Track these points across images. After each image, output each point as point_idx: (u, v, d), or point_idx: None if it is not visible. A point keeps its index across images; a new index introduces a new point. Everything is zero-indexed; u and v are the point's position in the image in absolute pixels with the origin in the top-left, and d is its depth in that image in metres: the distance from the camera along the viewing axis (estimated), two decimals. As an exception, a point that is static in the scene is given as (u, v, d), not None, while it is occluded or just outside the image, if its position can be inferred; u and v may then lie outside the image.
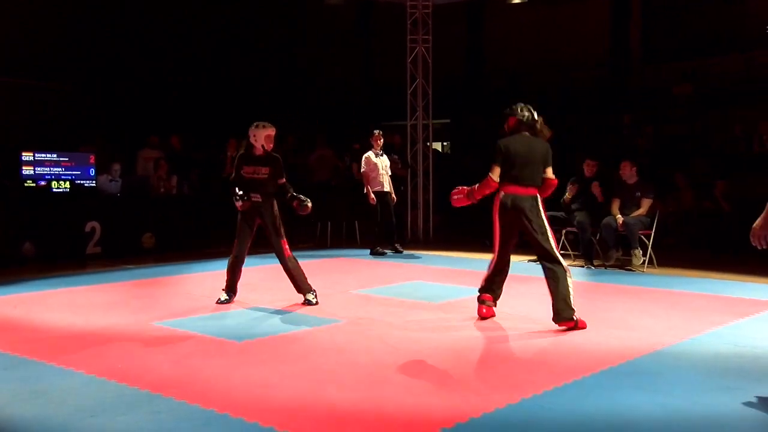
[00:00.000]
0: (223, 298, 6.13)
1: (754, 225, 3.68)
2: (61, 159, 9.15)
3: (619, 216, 8.26)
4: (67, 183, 9.17)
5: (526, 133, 5.33)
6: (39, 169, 8.95)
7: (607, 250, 8.56)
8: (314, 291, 6.10)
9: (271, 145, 6.02)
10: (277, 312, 5.83)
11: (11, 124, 11.64)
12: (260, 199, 5.99)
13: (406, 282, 7.41)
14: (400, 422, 3.38)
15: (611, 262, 8.46)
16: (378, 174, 9.60)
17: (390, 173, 9.82)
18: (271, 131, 6.00)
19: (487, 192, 5.34)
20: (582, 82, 14.13)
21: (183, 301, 6.33)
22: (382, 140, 9.75)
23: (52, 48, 12.77)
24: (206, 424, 3.32)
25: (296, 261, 6.11)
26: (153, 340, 4.88)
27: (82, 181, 9.31)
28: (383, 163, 9.67)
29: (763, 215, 3.65)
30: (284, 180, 6.09)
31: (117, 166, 10.02)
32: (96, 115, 12.95)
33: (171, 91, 14.44)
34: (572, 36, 14.44)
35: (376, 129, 9.91)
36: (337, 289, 6.89)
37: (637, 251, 8.15)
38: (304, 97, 16.52)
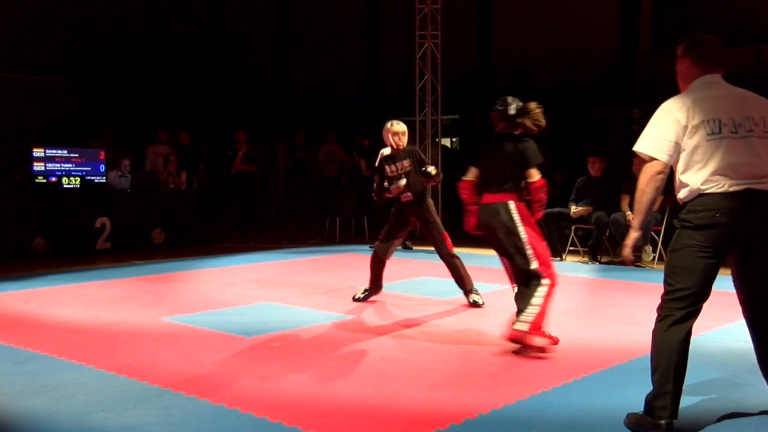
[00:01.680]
0: (359, 295, 6.04)
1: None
2: (71, 155, 9.19)
3: (629, 212, 8.22)
4: (78, 179, 9.21)
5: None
6: (50, 165, 9.00)
7: (616, 247, 8.52)
8: (477, 291, 5.96)
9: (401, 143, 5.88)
10: (287, 308, 5.84)
11: (21, 121, 11.71)
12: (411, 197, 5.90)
13: (415, 278, 7.40)
14: (408, 418, 3.37)
15: (621, 259, 8.42)
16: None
17: None
18: (397, 129, 5.90)
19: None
20: (591, 76, 14.05)
21: (192, 297, 6.36)
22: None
23: (60, 44, 12.84)
24: (216, 419, 3.33)
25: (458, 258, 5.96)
26: (163, 335, 4.90)
27: (92, 177, 9.36)
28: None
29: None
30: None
31: (126, 162, 10.06)
32: (105, 111, 13.01)
33: (179, 86, 14.48)
34: (581, 29, 14.36)
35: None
36: (346, 285, 6.89)
37: (647, 247, 8.11)
38: (313, 92, 16.52)
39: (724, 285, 7.11)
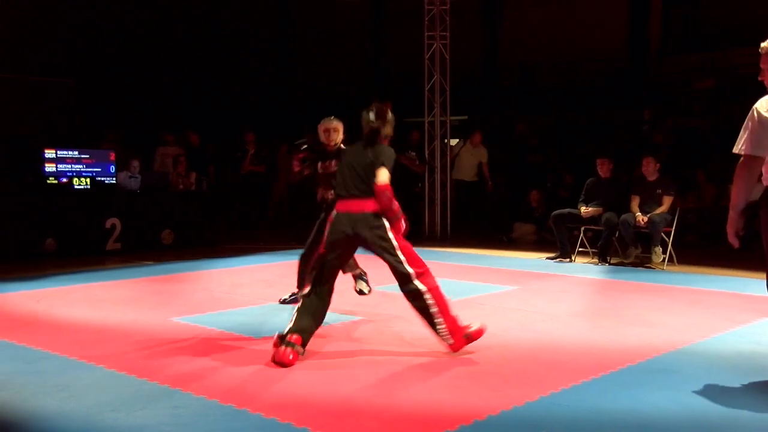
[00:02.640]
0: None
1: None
2: (82, 156, 9.24)
3: (639, 213, 8.18)
4: (88, 180, 9.27)
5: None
6: (61, 166, 9.05)
7: (625, 248, 8.50)
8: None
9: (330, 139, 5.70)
10: (295, 309, 5.83)
11: (28, 122, 11.78)
12: None
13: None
14: (416, 419, 3.38)
15: (630, 260, 8.39)
16: None
17: None
18: (328, 125, 5.75)
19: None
20: (599, 76, 14.00)
21: (202, 297, 6.38)
22: None
23: (70, 45, 12.91)
24: (225, 419, 3.34)
25: None
26: (172, 335, 4.92)
27: (102, 178, 9.41)
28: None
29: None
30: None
31: (136, 163, 10.11)
32: (112, 112, 13.08)
33: (185, 87, 14.54)
34: (590, 29, 14.31)
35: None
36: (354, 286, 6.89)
37: (657, 248, 8.08)
38: (317, 93, 16.55)
39: (734, 286, 7.07)
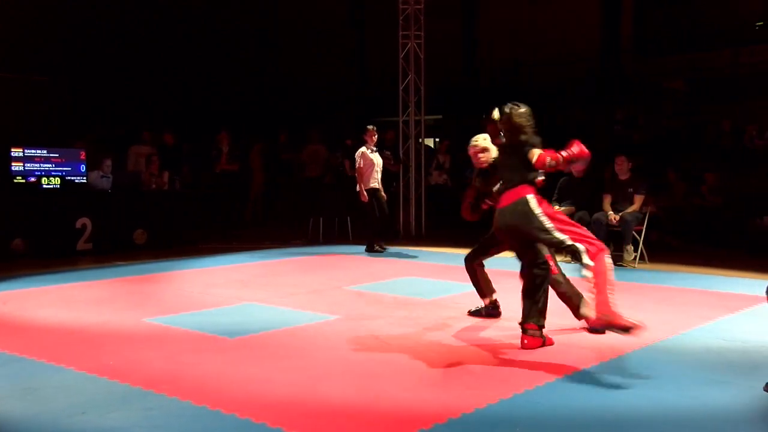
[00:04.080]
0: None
1: None
2: (51, 155, 9.09)
3: (611, 212, 8.28)
4: (58, 179, 9.12)
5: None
6: (29, 165, 8.89)
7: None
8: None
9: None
10: (270, 308, 5.82)
11: (2, 120, 11.55)
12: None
13: (399, 278, 7.41)
14: (392, 418, 3.38)
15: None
16: (372, 171, 9.51)
17: (382, 169, 9.72)
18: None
19: None
20: (574, 76, 14.14)
21: (175, 298, 6.31)
22: (376, 136, 9.57)
23: (41, 41, 12.68)
24: (198, 420, 3.31)
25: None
26: (145, 336, 4.87)
27: (72, 177, 9.26)
28: (378, 159, 9.58)
29: None
30: None
31: (108, 162, 9.97)
32: (86, 111, 12.88)
33: (161, 85, 14.37)
34: (564, 29, 14.45)
35: (371, 125, 9.69)
36: (330, 285, 6.88)
37: (629, 247, 8.18)
38: (296, 91, 16.48)
39: (705, 284, 7.19)
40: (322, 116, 15.27)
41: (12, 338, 4.78)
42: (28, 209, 8.72)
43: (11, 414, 3.39)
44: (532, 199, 4.61)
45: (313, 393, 3.70)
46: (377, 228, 9.60)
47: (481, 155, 5.47)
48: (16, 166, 8.78)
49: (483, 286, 5.65)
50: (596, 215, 8.34)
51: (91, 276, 7.43)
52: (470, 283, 6.94)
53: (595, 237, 4.65)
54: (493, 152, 5.36)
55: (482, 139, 5.47)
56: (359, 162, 9.35)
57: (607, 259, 4.47)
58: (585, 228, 4.77)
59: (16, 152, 8.79)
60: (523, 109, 4.74)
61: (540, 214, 4.58)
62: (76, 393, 3.68)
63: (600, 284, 4.40)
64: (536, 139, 4.69)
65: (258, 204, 12.81)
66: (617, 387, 3.82)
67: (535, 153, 4.53)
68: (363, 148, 9.49)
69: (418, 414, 3.41)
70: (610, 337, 4.85)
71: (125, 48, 14.02)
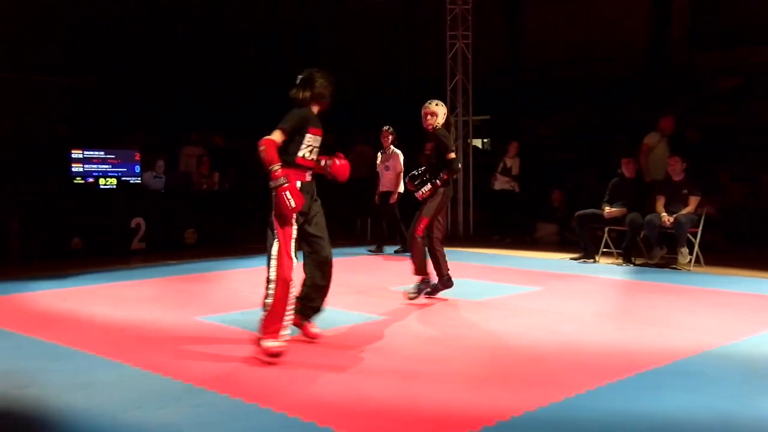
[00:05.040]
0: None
1: None
2: (108, 156, 9.36)
3: (665, 214, 8.08)
4: (114, 179, 9.38)
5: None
6: (87, 166, 9.18)
7: (650, 249, 8.39)
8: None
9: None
10: (317, 308, 5.85)
11: (59, 122, 11.95)
12: None
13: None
14: (439, 419, 3.36)
15: (655, 261, 8.28)
16: (383, 173, 9.31)
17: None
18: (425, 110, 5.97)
19: None
20: (624, 74, 13.83)
21: (224, 297, 6.42)
22: (391, 137, 9.32)
23: (97, 47, 13.06)
24: (248, 418, 3.35)
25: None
26: (195, 334, 4.96)
27: (128, 178, 9.52)
28: (388, 162, 9.32)
29: None
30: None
31: (161, 163, 10.20)
32: (140, 113, 13.21)
33: (213, 87, 14.64)
34: (612, 26, 14.13)
35: (386, 125, 9.44)
36: (376, 286, 6.90)
37: (683, 249, 7.96)
38: (343, 93, 16.56)
39: (762, 288, 6.94)
40: (368, 117, 15.31)
41: (70, 333, 4.93)
42: (86, 209, 9.00)
43: (70, 407, 3.50)
44: None
45: (359, 393, 3.71)
46: (396, 230, 9.33)
47: (429, 117, 5.90)
48: (76, 167, 9.07)
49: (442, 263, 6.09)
50: (649, 217, 8.15)
51: (144, 275, 7.61)
52: (518, 285, 6.88)
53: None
54: (440, 119, 5.87)
55: (434, 104, 5.91)
56: (400, 165, 9.21)
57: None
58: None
59: (76, 154, 9.09)
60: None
61: None
62: (130, 388, 3.77)
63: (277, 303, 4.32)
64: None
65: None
66: (670, 393, 3.71)
67: None
68: (380, 152, 9.37)
69: (465, 416, 3.38)
70: (664, 342, 4.73)
71: (179, 51, 14.33)
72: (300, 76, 4.62)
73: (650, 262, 8.33)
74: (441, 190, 5.90)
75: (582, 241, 8.75)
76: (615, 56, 13.90)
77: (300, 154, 4.43)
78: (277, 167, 4.27)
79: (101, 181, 9.27)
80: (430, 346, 4.67)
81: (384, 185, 9.38)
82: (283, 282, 4.33)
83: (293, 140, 4.39)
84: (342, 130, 13.90)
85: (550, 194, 11.02)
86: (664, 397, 3.65)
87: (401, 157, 9.28)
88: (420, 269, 5.98)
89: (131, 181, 9.56)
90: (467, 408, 3.49)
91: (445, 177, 5.86)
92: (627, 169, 8.68)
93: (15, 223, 8.40)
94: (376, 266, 8.33)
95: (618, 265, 8.42)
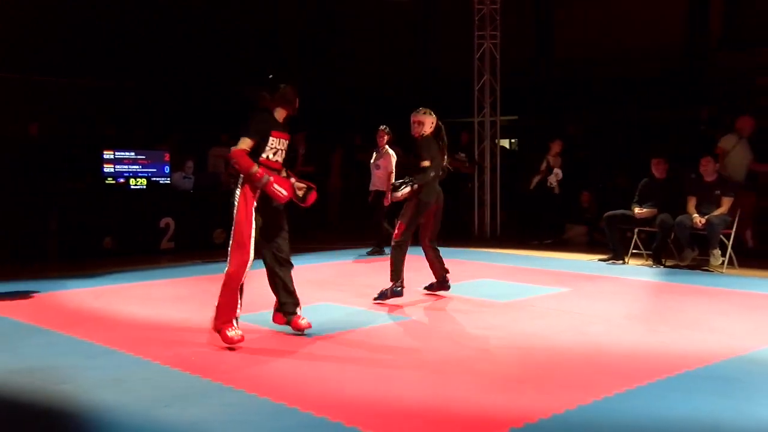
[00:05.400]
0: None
1: None
2: (138, 157, 9.50)
3: (696, 215, 7.94)
4: (144, 180, 9.51)
5: None
6: (118, 167, 9.32)
7: (681, 250, 8.25)
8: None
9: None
10: (346, 308, 5.88)
11: (90, 123, 12.17)
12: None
13: (473, 280, 7.34)
14: (467, 420, 3.35)
15: (687, 262, 8.15)
16: (374, 172, 9.24)
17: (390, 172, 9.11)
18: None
19: None
20: (656, 74, 13.62)
21: (253, 296, 6.44)
22: (387, 137, 9.24)
23: (126, 49, 13.26)
24: (276, 417, 3.38)
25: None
26: (224, 333, 5.00)
27: (157, 178, 9.65)
28: (379, 161, 9.23)
29: None
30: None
31: (191, 163, 10.32)
32: (169, 114, 13.38)
33: (239, 86, 14.78)
34: (645, 24, 13.93)
35: (383, 125, 9.39)
36: (406, 286, 6.88)
37: (716, 251, 7.82)
38: (367, 94, 16.58)
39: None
40: (395, 118, 15.32)
41: (102, 331, 5.02)
42: (117, 209, 9.14)
43: (103, 403, 3.56)
44: None
45: (387, 393, 3.71)
46: (377, 231, 9.17)
47: (416, 125, 6.04)
48: (108, 168, 9.22)
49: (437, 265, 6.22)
50: (680, 218, 8.03)
51: (173, 274, 7.70)
52: (545, 286, 6.82)
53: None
54: (426, 128, 5.99)
55: (422, 113, 6.04)
56: (391, 165, 9.08)
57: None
58: None
59: (107, 154, 9.24)
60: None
61: None
62: (160, 386, 3.82)
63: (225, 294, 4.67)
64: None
65: (335, 205, 12.96)
66: (702, 397, 3.65)
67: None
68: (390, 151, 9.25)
69: (494, 417, 3.37)
70: (696, 345, 4.66)
71: (208, 53, 14.49)
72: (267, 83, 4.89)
73: (681, 263, 8.20)
74: (418, 195, 5.97)
75: (611, 242, 8.65)
76: (648, 56, 13.70)
77: (264, 155, 4.66)
78: (255, 169, 4.56)
79: (132, 181, 9.40)
80: (457, 346, 4.65)
81: (374, 184, 9.33)
82: (233, 275, 4.73)
83: (257, 143, 4.64)
84: (371, 130, 13.95)
85: (579, 195, 10.91)
86: (696, 401, 3.59)
87: (394, 158, 9.13)
88: (393, 274, 5.99)
89: (161, 182, 9.68)
90: (494, 409, 3.47)
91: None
92: (657, 170, 8.56)
93: (53, 222, 8.58)
94: (405, 267, 8.30)
95: (648, 266, 8.30)
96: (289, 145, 4.86)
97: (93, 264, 8.15)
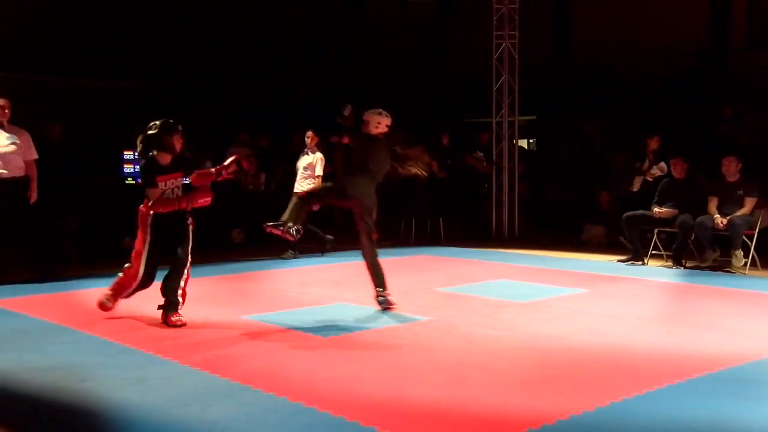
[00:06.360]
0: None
1: None
2: (157, 157, 9.57)
3: (718, 216, 7.85)
4: (163, 180, 9.58)
5: None
6: (138, 167, 9.40)
7: (702, 251, 8.16)
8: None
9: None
10: (362, 308, 5.89)
11: (109, 124, 12.29)
12: None
13: (491, 280, 7.33)
14: (484, 422, 3.34)
15: (708, 264, 8.06)
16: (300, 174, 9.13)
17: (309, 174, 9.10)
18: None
19: None
20: (676, 72, 13.48)
21: (271, 296, 6.50)
22: (308, 140, 9.22)
23: (143, 50, 13.39)
24: (293, 417, 3.39)
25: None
26: (242, 333, 5.04)
27: (177, 178, 9.71)
28: (302, 163, 9.19)
29: None
30: None
31: (209, 163, 10.37)
32: (187, 114, 13.48)
33: (258, 88, 14.85)
34: (666, 24, 13.80)
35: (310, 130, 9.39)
36: (421, 287, 6.89)
37: (738, 252, 7.72)
38: (384, 94, 16.60)
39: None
40: (410, 118, 15.31)
41: (122, 330, 5.08)
42: (136, 208, 9.21)
43: (123, 402, 3.60)
44: None
45: (403, 394, 3.71)
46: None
47: (363, 123, 6.06)
48: (128, 168, 9.32)
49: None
50: (701, 218, 7.94)
51: (191, 274, 7.71)
52: (564, 287, 6.79)
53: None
54: (370, 127, 5.98)
55: (371, 111, 6.04)
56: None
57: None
58: None
59: (127, 155, 9.33)
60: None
61: None
62: (179, 385, 3.86)
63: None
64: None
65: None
66: (725, 400, 3.61)
67: None
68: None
69: (510, 418, 3.36)
70: (718, 347, 4.61)
71: (225, 52, 14.59)
72: (144, 134, 5.54)
73: (702, 264, 8.11)
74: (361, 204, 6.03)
75: (630, 242, 8.58)
76: (669, 54, 13.56)
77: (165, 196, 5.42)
78: (182, 203, 5.51)
79: (151, 181, 9.47)
80: (475, 347, 4.64)
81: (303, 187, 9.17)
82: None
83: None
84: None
85: (598, 195, 10.84)
86: (718, 404, 3.55)
87: (322, 161, 9.12)
88: (381, 281, 5.92)
89: (181, 182, 9.74)
90: (512, 411, 3.46)
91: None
92: (676, 170, 8.48)
93: (72, 222, 8.68)
94: (420, 267, 8.32)
95: (668, 267, 8.22)
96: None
97: (113, 264, 8.22)
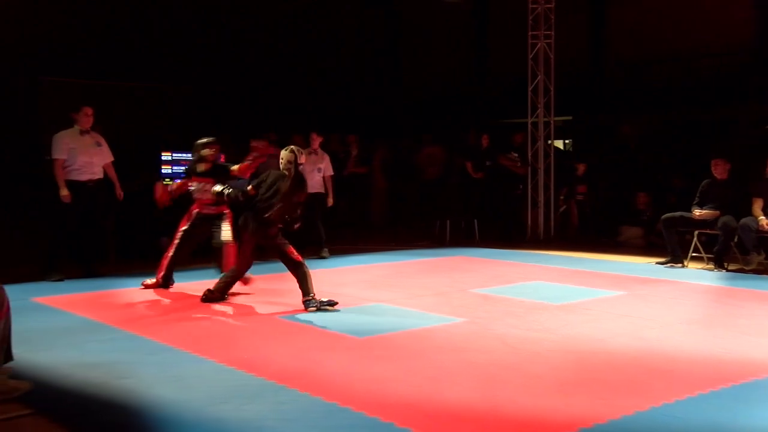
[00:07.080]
0: None
1: None
2: (194, 158, 9.70)
3: (763, 217, 7.65)
4: (200, 181, 9.71)
5: None
6: (176, 168, 9.55)
7: (745, 254, 7.96)
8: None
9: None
10: (397, 309, 5.88)
11: (146, 126, 12.49)
12: None
13: (526, 282, 7.25)
14: (519, 425, 3.31)
15: (752, 267, 7.85)
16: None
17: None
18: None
19: None
20: (717, 72, 13.18)
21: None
22: (319, 139, 9.56)
23: (176, 53, 13.58)
24: (328, 416, 3.40)
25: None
26: (278, 332, 5.08)
27: (213, 179, 9.83)
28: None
29: None
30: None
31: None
32: (219, 116, 13.64)
33: (293, 89, 14.94)
34: (706, 20, 13.50)
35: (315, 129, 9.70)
36: (456, 288, 6.86)
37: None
38: (421, 95, 16.57)
39: None
40: (444, 118, 15.26)
41: (161, 329, 5.15)
42: (172, 209, 9.32)
43: (161, 399, 3.65)
44: None
45: (438, 395, 3.70)
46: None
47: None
48: (165, 169, 9.46)
49: None
50: (744, 220, 7.74)
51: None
52: (601, 289, 6.69)
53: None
54: (281, 162, 6.17)
55: (286, 148, 6.20)
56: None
57: None
58: None
59: (165, 156, 9.48)
60: None
61: None
62: (215, 383, 3.90)
63: None
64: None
65: (382, 206, 13.00)
66: (766, 408, 3.51)
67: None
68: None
69: (547, 421, 3.31)
70: (763, 353, 4.49)
71: (262, 57, 14.72)
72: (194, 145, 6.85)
73: (746, 268, 7.90)
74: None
75: (669, 244, 8.41)
76: (708, 53, 13.27)
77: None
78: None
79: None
80: (509, 349, 4.60)
81: (313, 187, 9.19)
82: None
83: None
84: (418, 131, 13.94)
85: (635, 196, 10.66)
86: (763, 412, 3.46)
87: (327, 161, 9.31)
88: (308, 288, 6.02)
89: (217, 183, 9.86)
90: (549, 414, 3.42)
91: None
92: (716, 171, 8.29)
93: (111, 222, 8.85)
94: (455, 268, 8.28)
95: (709, 270, 8.04)
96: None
97: (151, 263, 8.36)
